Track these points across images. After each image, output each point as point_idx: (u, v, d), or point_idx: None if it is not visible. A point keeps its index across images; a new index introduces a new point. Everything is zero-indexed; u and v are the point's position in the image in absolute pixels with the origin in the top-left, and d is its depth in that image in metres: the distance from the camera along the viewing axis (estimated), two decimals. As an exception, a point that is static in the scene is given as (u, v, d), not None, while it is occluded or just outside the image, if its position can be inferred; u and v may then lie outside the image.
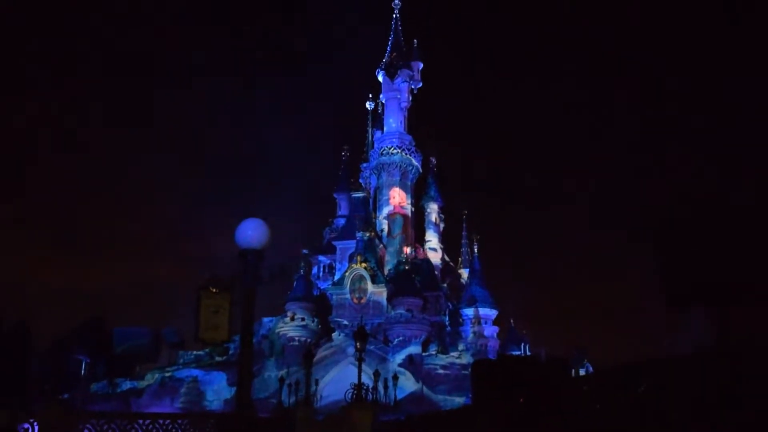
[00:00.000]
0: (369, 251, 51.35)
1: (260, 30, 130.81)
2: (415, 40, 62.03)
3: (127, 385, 47.33)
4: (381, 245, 54.46)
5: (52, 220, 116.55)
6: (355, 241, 52.71)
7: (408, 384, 43.37)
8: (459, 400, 42.01)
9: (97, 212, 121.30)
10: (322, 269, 57.73)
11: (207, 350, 50.08)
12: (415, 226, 58.29)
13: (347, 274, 50.62)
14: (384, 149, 57.55)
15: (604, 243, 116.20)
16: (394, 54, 60.82)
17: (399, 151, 57.14)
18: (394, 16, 63.23)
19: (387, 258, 54.36)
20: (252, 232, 8.60)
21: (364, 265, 50.26)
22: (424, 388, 44.12)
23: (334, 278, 53.92)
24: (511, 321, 54.80)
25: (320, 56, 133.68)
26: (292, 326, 48.23)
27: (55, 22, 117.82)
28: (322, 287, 54.46)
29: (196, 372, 48.68)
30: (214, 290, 8.58)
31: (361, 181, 61.16)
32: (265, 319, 52.05)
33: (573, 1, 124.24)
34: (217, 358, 50.05)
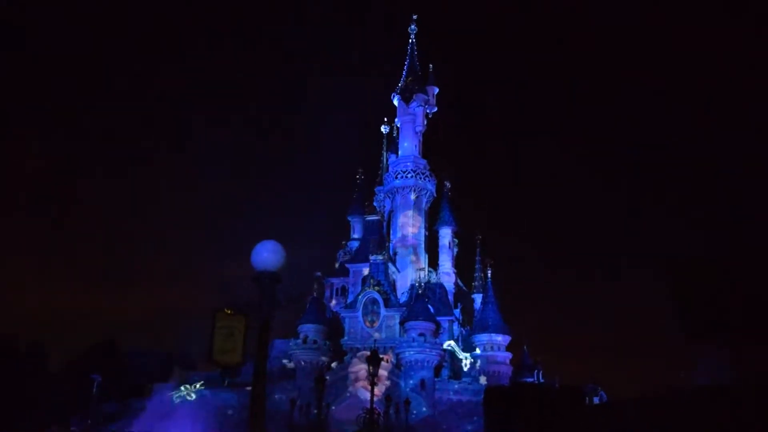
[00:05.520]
0: (382, 274, 51.16)
1: (275, 54, 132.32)
2: (431, 65, 62.42)
3: (137, 405, 47.28)
4: (394, 268, 54.30)
5: (71, 248, 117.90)
6: (368, 264, 52.42)
7: (420, 409, 43.04)
8: (471, 426, 41.67)
9: (115, 238, 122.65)
10: (334, 292, 57.59)
11: (218, 371, 49.91)
12: (429, 249, 58.14)
13: (360, 297, 50.45)
14: (398, 173, 57.65)
15: (622, 276, 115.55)
16: (410, 78, 61.13)
17: (413, 174, 57.23)
18: (410, 41, 63.71)
19: (400, 281, 54.17)
20: (268, 255, 8.39)
21: (377, 288, 50.07)
22: (436, 414, 43.75)
23: (346, 301, 53.75)
24: (525, 347, 54.34)
25: (335, 80, 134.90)
26: (304, 349, 48.02)
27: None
28: (334, 310, 54.28)
29: (206, 393, 48.53)
30: (229, 312, 8.48)
31: (375, 204, 61.07)
32: (277, 341, 51.86)
33: (590, 33, 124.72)
34: (228, 380, 49.87)
